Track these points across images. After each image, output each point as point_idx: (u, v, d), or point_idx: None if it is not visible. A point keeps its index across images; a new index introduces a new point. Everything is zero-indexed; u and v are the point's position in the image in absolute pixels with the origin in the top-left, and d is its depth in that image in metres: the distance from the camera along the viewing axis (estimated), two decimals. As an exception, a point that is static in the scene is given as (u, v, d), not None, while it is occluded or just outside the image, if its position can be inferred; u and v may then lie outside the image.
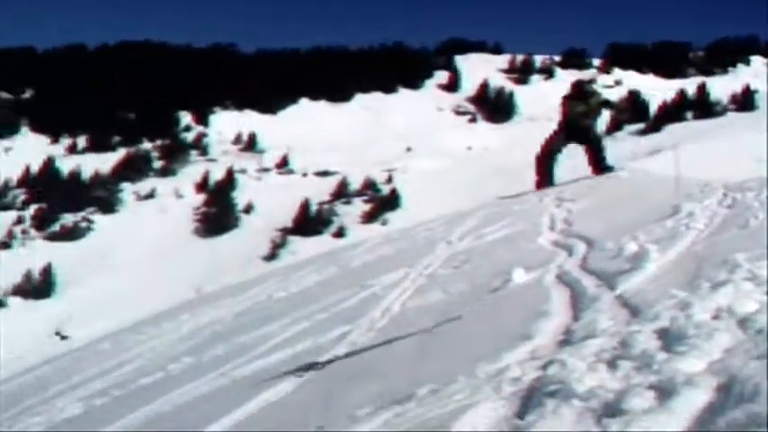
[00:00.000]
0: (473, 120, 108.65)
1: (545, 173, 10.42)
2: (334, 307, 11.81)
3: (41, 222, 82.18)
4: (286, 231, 75.04)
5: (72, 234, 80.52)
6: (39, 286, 69.15)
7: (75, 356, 29.02)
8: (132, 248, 71.59)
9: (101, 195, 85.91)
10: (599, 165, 10.18)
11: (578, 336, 5.34)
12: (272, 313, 18.48)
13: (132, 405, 12.24)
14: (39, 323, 59.34)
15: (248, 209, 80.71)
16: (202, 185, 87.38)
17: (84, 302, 61.85)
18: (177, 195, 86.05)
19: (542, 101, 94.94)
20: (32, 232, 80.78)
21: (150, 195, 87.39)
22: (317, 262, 16.25)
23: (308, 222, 74.90)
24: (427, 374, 5.65)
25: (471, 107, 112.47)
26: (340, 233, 73.73)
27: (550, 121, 74.72)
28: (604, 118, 12.32)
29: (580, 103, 11.54)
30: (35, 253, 73.55)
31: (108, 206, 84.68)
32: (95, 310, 57.52)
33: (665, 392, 3.19)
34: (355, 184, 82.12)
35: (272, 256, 69.35)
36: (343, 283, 15.66)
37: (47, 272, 70.04)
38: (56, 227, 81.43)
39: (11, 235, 79.78)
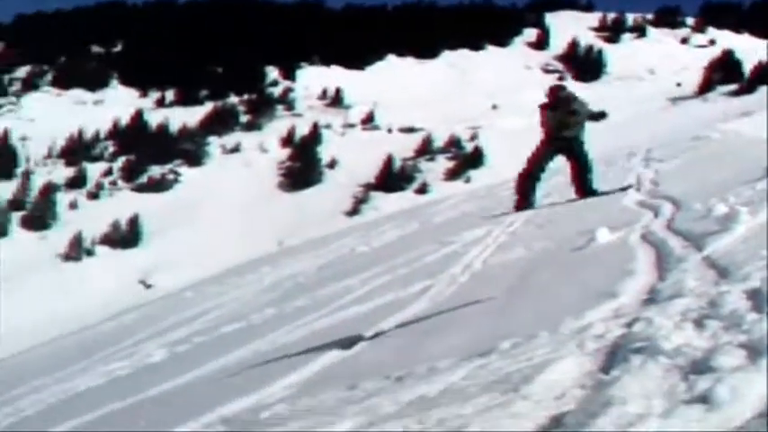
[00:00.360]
0: (561, 78, 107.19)
1: (526, 193, 9.09)
2: (415, 262, 11.79)
3: (129, 174, 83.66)
4: (369, 187, 75.22)
5: (159, 186, 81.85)
6: (125, 236, 70.60)
7: (160, 304, 29.67)
8: (217, 201, 72.48)
9: (187, 148, 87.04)
10: (583, 186, 8.90)
11: (664, 295, 5.22)
12: (354, 267, 18.58)
13: (214, 352, 12.43)
14: (125, 272, 60.67)
15: (332, 164, 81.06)
16: (287, 140, 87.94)
17: (168, 253, 62.99)
18: (262, 150, 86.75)
19: (633, 60, 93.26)
20: (120, 183, 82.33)
21: (236, 149, 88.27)
22: (399, 218, 16.26)
23: (391, 178, 74.95)
24: (509, 329, 5.59)
25: (560, 65, 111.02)
26: (423, 190, 73.65)
27: (641, 81, 73.19)
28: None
29: (559, 111, 10.27)
30: (123, 204, 74.98)
31: (194, 159, 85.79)
32: (180, 261, 58.55)
33: (755, 352, 3.09)
34: (439, 141, 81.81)
35: (354, 212, 69.67)
36: (425, 239, 15.64)
37: (133, 222, 71.43)
38: (143, 178, 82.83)
39: (99, 186, 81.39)
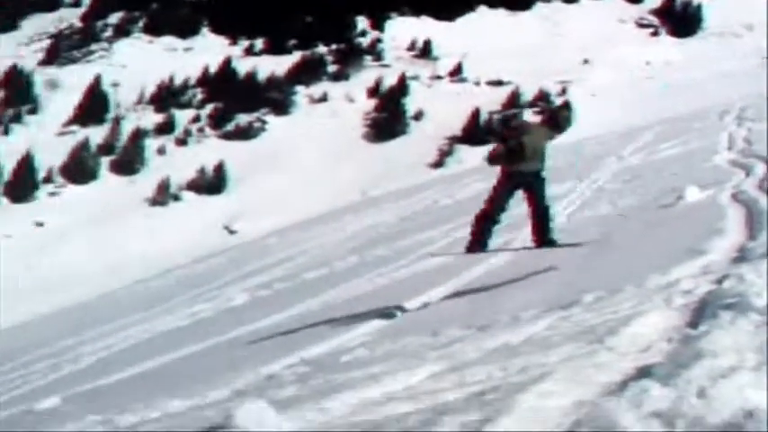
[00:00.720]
0: (655, 33, 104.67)
1: (481, 235, 8.48)
2: (498, 215, 11.68)
3: (217, 121, 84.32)
4: (454, 140, 74.78)
5: (245, 134, 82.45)
6: (211, 182, 71.43)
7: (243, 250, 30.05)
8: (302, 150, 72.83)
9: (275, 97, 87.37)
10: (540, 234, 8.30)
11: (756, 253, 5.09)
12: (436, 219, 18.60)
13: (295, 298, 12.58)
14: (210, 217, 61.48)
15: (418, 116, 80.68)
16: (374, 91, 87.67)
17: (253, 200, 63.63)
18: (349, 100, 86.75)
19: (732, 16, 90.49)
20: (208, 130, 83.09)
21: (323, 99, 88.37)
22: (483, 171, 16.11)
23: (478, 131, 74.33)
24: (593, 283, 5.52)
25: (655, 20, 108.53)
26: (508, 144, 72.61)
27: (738, 38, 70.65)
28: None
29: (510, 142, 9.55)
30: (209, 150, 75.76)
31: (281, 108, 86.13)
32: (263, 208, 59.10)
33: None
34: (528, 94, 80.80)
35: (438, 164, 69.38)
36: (510, 192, 15.50)
37: (219, 169, 72.16)
38: (230, 126, 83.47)
39: (187, 132, 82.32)
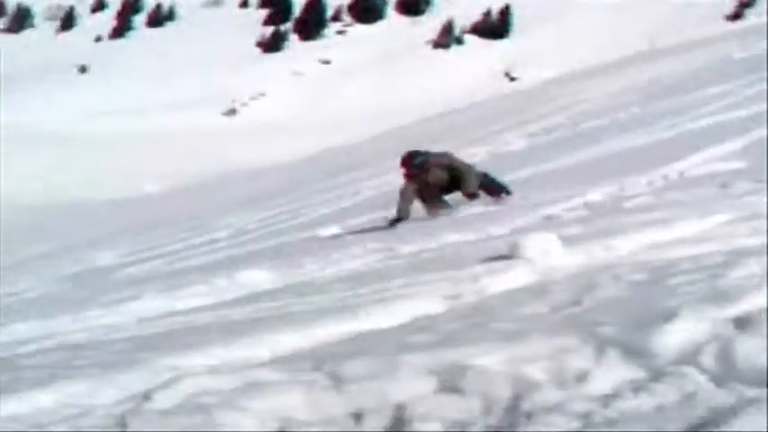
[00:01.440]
0: None
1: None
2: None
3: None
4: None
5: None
6: (495, 26, 70.82)
7: (523, 96, 29.84)
8: (589, -2, 70.64)
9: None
10: (495, 188, 7.35)
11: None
12: (732, 71, 17.59)
13: (573, 146, 12.41)
14: (490, 62, 61.24)
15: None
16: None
17: (535, 46, 62.62)
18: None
19: None
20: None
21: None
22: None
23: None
24: None
25: None
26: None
27: None
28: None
29: (421, 177, 8.32)
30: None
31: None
32: (546, 55, 58.10)
33: None
34: None
35: (736, 16, 65.30)
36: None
37: (504, 13, 71.37)
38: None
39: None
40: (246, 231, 11.73)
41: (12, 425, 2.80)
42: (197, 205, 20.31)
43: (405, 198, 8.62)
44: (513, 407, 1.91)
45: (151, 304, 6.02)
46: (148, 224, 17.80)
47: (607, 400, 1.88)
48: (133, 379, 2.95)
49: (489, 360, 2.10)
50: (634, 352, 2.06)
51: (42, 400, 2.98)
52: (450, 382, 2.02)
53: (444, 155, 9.12)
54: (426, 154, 9.03)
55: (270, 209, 14.30)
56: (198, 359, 3.02)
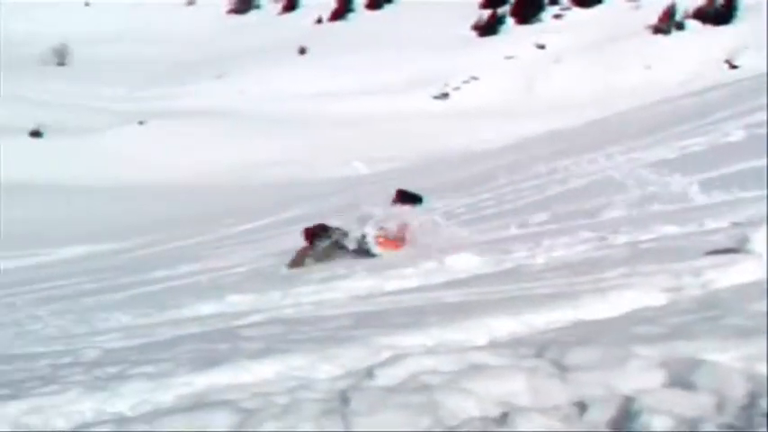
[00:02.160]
0: None
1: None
2: None
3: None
4: None
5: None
6: (720, 11, 67.87)
7: (745, 85, 28.56)
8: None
9: None
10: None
11: None
12: None
13: None
14: (711, 49, 58.88)
15: None
16: None
17: (760, 33, 59.77)
18: None
19: None
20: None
21: None
22: None
23: None
24: None
25: None
26: None
27: None
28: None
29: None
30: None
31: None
32: (771, 43, 55.44)
33: None
34: None
35: None
36: None
37: (737, -3, 68.35)
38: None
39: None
40: (453, 215, 11.83)
41: (234, 392, 2.96)
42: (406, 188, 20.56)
43: None
44: (749, 405, 1.86)
45: (362, 284, 6.19)
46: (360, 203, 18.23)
47: None
48: (352, 355, 3.05)
49: (723, 356, 2.05)
50: None
51: (263, 371, 3.13)
52: (682, 377, 1.99)
53: None
54: None
55: (476, 194, 14.37)
56: (416, 339, 3.09)
